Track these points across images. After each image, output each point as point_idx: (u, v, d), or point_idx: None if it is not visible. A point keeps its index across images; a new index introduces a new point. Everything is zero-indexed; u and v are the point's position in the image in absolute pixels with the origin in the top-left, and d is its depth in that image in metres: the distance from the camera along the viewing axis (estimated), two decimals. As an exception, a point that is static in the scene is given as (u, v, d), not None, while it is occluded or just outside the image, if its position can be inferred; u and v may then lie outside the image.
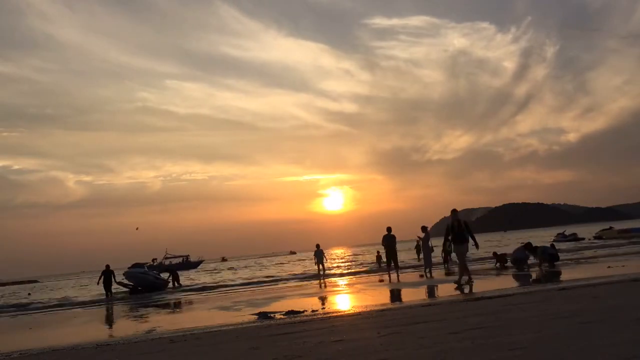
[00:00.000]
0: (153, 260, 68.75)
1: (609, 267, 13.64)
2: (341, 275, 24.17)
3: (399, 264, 19.39)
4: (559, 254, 18.53)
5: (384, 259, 22.23)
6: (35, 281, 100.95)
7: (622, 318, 5.00)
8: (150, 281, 25.39)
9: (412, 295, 11.52)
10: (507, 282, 12.27)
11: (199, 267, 70.07)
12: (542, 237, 54.45)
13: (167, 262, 69.50)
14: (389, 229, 18.07)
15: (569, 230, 55.72)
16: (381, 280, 17.65)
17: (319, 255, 24.29)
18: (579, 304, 6.47)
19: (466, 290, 10.78)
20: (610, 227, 41.16)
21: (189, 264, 70.81)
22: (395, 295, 11.93)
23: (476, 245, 12.52)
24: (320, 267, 24.16)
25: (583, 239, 41.17)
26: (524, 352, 3.79)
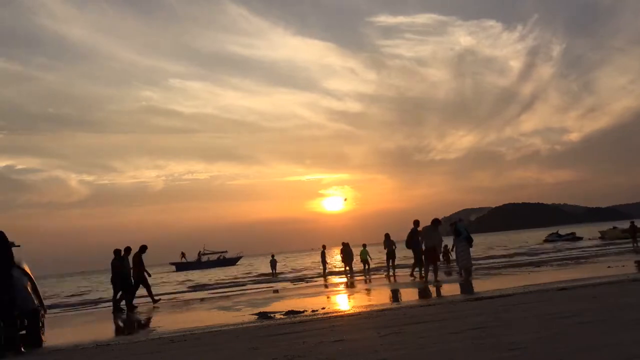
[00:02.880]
0: (182, 255, 65.72)
1: (609, 267, 13.65)
2: (291, 280, 24.27)
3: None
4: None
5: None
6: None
7: (622, 318, 5.00)
8: None
9: (411, 295, 11.52)
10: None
11: (238, 263, 66.40)
12: (540, 237, 54.42)
13: (205, 258, 67.04)
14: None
15: (568, 230, 55.61)
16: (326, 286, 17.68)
17: (273, 263, 29.69)
18: (579, 304, 6.47)
19: None
20: (614, 227, 40.86)
21: (226, 261, 66.48)
22: (395, 295, 11.93)
23: None
24: (274, 272, 29.42)
25: (581, 238, 40.99)
26: (524, 352, 3.79)
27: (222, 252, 70.69)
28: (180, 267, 64.43)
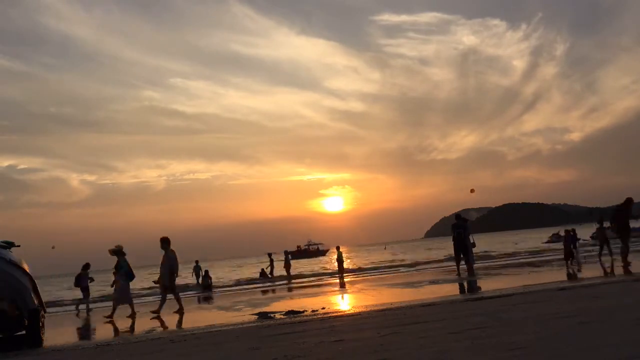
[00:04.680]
0: (298, 247, 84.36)
1: (609, 267, 13.65)
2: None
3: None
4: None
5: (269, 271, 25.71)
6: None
7: (622, 318, 5.00)
8: None
9: (413, 295, 11.53)
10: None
11: (327, 254, 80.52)
12: (539, 237, 54.38)
13: (311, 248, 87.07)
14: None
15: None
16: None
17: (197, 271, 24.12)
18: (579, 304, 6.47)
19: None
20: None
21: (320, 252, 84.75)
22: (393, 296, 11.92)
23: None
24: (199, 282, 23.39)
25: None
26: (524, 352, 3.79)
27: (319, 244, 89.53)
28: (293, 255, 79.61)
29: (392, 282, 16.20)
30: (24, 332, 8.49)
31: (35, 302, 8.73)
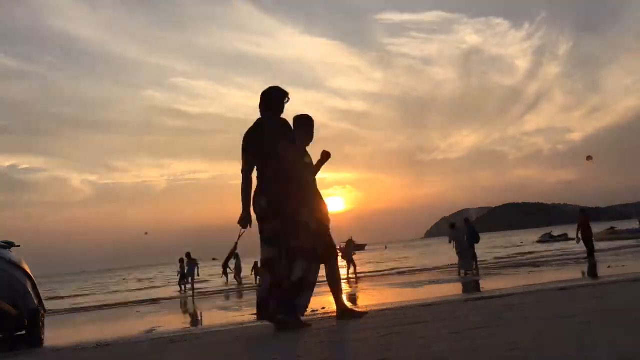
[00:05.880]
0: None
1: (609, 267, 13.67)
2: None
3: None
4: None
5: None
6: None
7: (622, 318, 5.00)
8: None
9: (413, 295, 11.53)
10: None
11: (365, 249, 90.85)
12: (536, 238, 54.36)
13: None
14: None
15: (565, 230, 55.40)
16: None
17: (191, 268, 20.75)
18: (579, 304, 6.47)
19: None
20: (612, 228, 39.98)
21: (361, 247, 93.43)
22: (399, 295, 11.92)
23: None
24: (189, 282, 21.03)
25: (573, 239, 40.29)
26: (524, 352, 3.79)
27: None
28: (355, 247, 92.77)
29: (392, 282, 16.21)
30: (24, 332, 8.52)
31: (35, 302, 8.76)
